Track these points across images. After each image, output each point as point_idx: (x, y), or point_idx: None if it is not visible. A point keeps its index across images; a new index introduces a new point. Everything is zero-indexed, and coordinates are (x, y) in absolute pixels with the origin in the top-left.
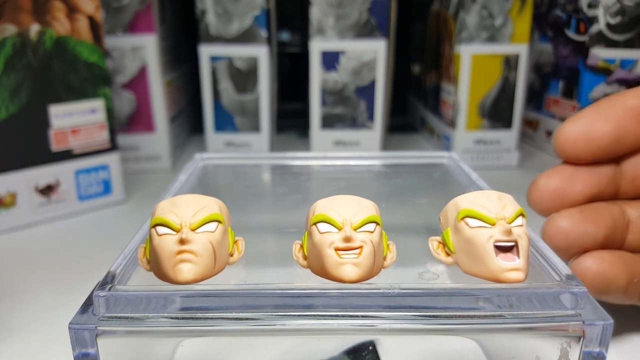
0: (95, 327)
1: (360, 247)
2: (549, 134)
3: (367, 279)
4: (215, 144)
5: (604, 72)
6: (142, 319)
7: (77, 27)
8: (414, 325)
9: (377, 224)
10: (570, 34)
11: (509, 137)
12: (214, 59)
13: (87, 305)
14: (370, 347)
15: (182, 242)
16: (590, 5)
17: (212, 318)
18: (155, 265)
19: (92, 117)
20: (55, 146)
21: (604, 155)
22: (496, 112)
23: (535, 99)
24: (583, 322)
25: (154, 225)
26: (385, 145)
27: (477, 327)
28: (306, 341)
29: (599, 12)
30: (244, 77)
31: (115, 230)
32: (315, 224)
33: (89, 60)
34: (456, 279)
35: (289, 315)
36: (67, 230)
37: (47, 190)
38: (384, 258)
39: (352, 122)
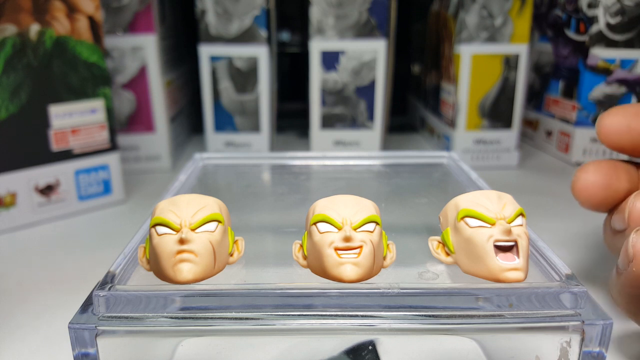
0: (95, 326)
1: (360, 246)
2: (549, 133)
3: (367, 279)
4: (215, 144)
5: (604, 72)
6: (141, 318)
7: (77, 27)
8: (414, 325)
9: (377, 223)
10: (570, 34)
11: (509, 137)
12: (214, 59)
13: (87, 305)
14: (370, 347)
15: (181, 241)
16: (590, 5)
17: (212, 318)
18: (155, 265)
19: (92, 117)
20: (55, 146)
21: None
22: (496, 112)
23: (535, 99)
24: (583, 321)
25: (154, 225)
26: (385, 145)
27: (477, 327)
28: (306, 341)
29: (599, 12)
30: (244, 77)
31: (115, 230)
32: (315, 223)
33: (89, 60)
34: (456, 279)
35: (289, 315)
36: (67, 230)
37: (47, 190)
38: (384, 258)
39: (352, 122)
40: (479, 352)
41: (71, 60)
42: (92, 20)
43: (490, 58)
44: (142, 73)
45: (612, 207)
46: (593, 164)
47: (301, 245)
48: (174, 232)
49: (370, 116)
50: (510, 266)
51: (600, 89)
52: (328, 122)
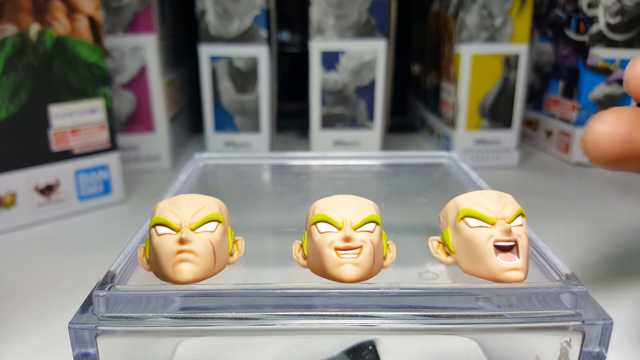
0: (95, 326)
1: (360, 246)
2: (549, 133)
3: (367, 279)
4: (215, 144)
5: (603, 72)
6: (141, 318)
7: (77, 27)
8: (414, 325)
9: (377, 223)
10: (570, 34)
11: (508, 137)
12: (214, 59)
13: (87, 305)
14: (370, 347)
15: (181, 241)
16: (590, 5)
17: (212, 318)
18: (155, 265)
19: (92, 117)
20: (55, 146)
21: None
22: (496, 112)
23: (535, 99)
24: (583, 321)
25: (154, 225)
26: (385, 145)
27: (477, 327)
28: (306, 341)
29: (599, 12)
30: (244, 77)
31: (115, 230)
32: (315, 223)
33: (89, 60)
34: (456, 279)
35: (289, 315)
36: (67, 230)
37: (47, 190)
38: (384, 258)
39: (352, 122)
40: (479, 352)
41: (71, 60)
42: (92, 20)
43: (490, 58)
44: (142, 73)
45: (632, 165)
46: (613, 112)
47: (301, 245)
48: (174, 232)
49: (370, 116)
50: (510, 266)
51: (600, 89)
52: (328, 122)
